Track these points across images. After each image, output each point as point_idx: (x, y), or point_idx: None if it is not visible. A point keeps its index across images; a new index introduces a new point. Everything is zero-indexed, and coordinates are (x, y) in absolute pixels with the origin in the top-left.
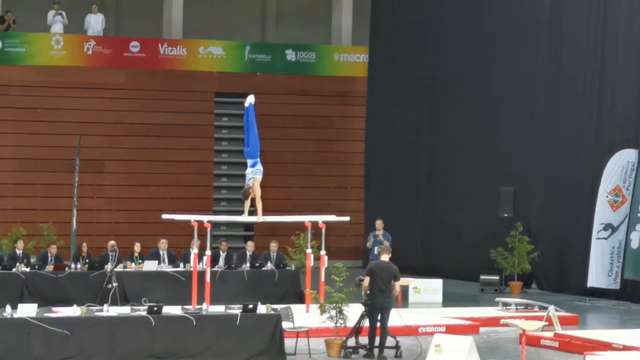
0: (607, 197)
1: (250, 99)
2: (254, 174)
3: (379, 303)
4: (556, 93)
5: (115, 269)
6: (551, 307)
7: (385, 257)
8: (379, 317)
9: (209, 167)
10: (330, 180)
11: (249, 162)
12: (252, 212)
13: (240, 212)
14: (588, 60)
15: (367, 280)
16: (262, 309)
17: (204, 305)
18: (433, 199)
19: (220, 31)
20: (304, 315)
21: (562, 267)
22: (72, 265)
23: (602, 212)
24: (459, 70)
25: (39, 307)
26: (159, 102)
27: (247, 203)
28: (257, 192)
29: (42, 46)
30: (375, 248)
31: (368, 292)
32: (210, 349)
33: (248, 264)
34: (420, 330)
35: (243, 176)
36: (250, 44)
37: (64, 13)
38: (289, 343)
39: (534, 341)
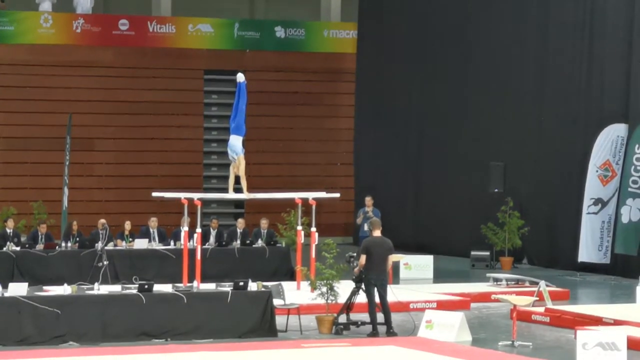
0: (597, 171)
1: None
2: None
3: (373, 278)
4: (545, 68)
5: (106, 248)
6: (542, 282)
7: (377, 232)
8: (375, 292)
9: (199, 145)
10: (320, 157)
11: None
12: (238, 190)
13: None
14: (577, 34)
15: (363, 259)
16: (252, 286)
17: (195, 283)
18: (423, 175)
19: (209, 8)
20: (295, 292)
21: (552, 242)
22: (63, 244)
23: (592, 187)
24: (448, 46)
25: (29, 286)
26: (148, 79)
27: (232, 181)
28: (242, 168)
29: (30, 24)
30: (365, 224)
31: (362, 269)
32: (201, 326)
33: (239, 242)
34: (411, 306)
35: None
36: (239, 21)
37: None
38: (280, 320)
39: (525, 316)
